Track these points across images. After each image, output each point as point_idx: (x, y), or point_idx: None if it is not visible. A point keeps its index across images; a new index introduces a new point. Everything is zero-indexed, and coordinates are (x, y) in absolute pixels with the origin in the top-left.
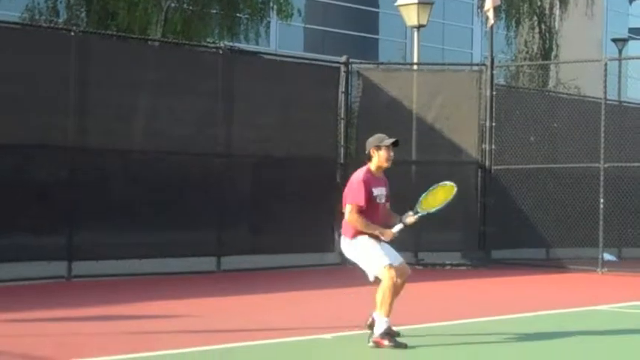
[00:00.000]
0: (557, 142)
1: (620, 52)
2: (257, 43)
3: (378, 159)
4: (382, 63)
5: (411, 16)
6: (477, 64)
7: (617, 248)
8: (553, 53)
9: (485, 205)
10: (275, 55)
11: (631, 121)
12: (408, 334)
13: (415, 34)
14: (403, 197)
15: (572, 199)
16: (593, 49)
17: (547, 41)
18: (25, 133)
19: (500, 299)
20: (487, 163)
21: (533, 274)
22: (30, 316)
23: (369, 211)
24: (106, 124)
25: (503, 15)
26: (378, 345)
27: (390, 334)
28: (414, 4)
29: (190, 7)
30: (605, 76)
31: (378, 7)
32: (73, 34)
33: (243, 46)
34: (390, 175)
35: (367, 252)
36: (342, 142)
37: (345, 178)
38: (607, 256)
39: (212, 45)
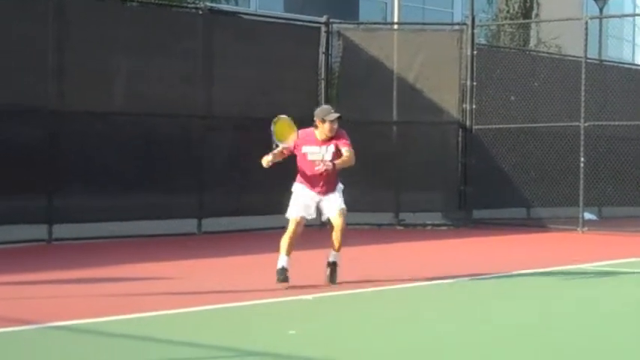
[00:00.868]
0: (538, 101)
1: (600, 10)
2: (237, 4)
3: (322, 130)
4: (363, 23)
5: None
6: (458, 24)
7: (598, 207)
8: (534, 12)
9: (466, 165)
10: (255, 15)
11: (611, 79)
12: (390, 294)
13: None
14: (384, 157)
15: (553, 158)
16: (574, 7)
17: (528, 0)
18: (3, 96)
19: (481, 259)
20: (468, 122)
21: (513, 234)
22: (9, 279)
23: (303, 165)
24: (85, 86)
25: None
26: (282, 273)
27: (283, 271)
28: None
29: None
30: (586, 34)
31: None
32: None
33: (223, 6)
34: (371, 135)
35: (292, 199)
36: (323, 103)
37: None
38: (587, 215)
39: (192, 5)
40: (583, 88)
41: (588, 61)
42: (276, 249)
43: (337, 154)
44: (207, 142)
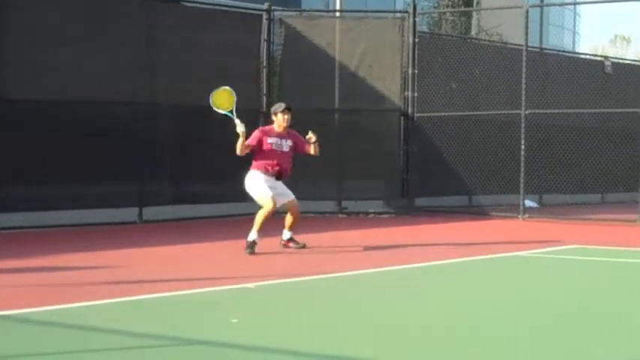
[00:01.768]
0: (479, 89)
1: None
2: None
3: (277, 122)
4: (304, 10)
5: None
6: (400, 12)
7: (538, 195)
8: (475, 0)
9: (408, 153)
10: (196, 2)
11: (552, 68)
12: (331, 282)
13: None
14: (327, 144)
15: (494, 146)
16: None
17: None
18: None
19: (422, 247)
20: (410, 110)
21: (455, 221)
22: None
23: (267, 154)
24: (26, 74)
25: None
26: (252, 246)
27: (254, 244)
28: None
29: None
30: (527, 23)
31: None
32: None
33: None
34: (313, 122)
35: (256, 184)
36: (265, 91)
37: None
38: (528, 203)
39: None
40: (524, 76)
41: (529, 49)
42: (219, 238)
43: (294, 147)
44: (148, 131)
